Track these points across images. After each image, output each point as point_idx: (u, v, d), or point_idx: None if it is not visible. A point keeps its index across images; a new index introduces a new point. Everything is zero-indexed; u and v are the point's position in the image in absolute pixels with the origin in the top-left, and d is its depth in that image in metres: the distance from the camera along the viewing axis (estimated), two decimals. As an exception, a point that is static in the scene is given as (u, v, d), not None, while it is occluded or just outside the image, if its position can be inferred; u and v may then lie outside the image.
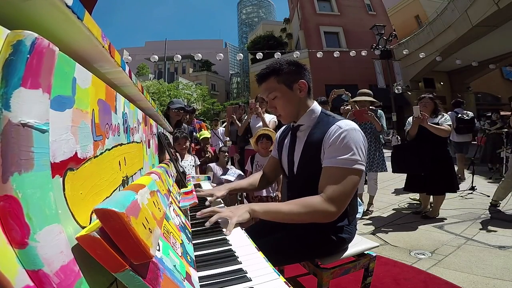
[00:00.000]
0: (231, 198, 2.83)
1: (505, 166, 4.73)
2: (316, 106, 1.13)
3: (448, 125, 2.65)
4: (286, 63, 1.08)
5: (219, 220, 0.98)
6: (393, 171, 3.00)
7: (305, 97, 1.11)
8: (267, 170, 1.41)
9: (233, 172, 2.64)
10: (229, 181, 2.48)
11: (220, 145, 4.63)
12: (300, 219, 0.97)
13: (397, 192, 4.14)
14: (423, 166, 2.67)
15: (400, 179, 4.48)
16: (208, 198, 1.22)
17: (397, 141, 6.34)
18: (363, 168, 0.98)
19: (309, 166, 1.06)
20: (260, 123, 3.01)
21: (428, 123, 2.61)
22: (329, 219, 0.96)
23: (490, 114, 6.62)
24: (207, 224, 0.92)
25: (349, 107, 3.56)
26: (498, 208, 2.92)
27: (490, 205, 2.93)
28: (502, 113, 6.25)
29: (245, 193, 2.91)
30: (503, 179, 2.96)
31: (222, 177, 2.57)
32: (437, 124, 2.66)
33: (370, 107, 3.08)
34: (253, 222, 1.61)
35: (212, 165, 2.95)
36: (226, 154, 3.02)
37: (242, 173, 2.67)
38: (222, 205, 1.23)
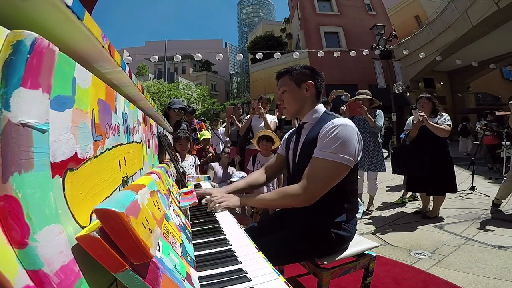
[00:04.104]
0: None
1: (505, 166, 4.74)
2: (320, 107, 1.21)
3: (447, 125, 2.65)
4: (302, 66, 1.21)
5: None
6: (393, 172, 3.01)
7: (311, 97, 1.20)
8: (268, 165, 1.45)
9: (237, 174, 2.65)
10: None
11: (220, 145, 4.64)
12: (277, 203, 1.12)
13: (397, 192, 4.14)
14: (423, 168, 2.67)
15: (400, 179, 4.48)
16: (206, 197, 1.24)
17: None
18: (347, 162, 1.01)
19: (307, 159, 1.09)
20: (262, 123, 3.01)
21: (429, 122, 2.61)
22: (301, 204, 1.04)
23: (482, 114, 6.68)
24: (203, 201, 1.18)
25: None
26: (499, 208, 2.91)
27: (492, 204, 2.93)
28: (498, 113, 6.27)
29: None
30: (505, 179, 2.96)
31: (228, 180, 2.59)
32: (436, 124, 2.66)
33: (370, 106, 3.09)
34: (252, 222, 1.61)
35: (214, 164, 2.96)
36: (228, 155, 3.03)
37: (246, 175, 2.68)
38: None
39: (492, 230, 2.42)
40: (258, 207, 1.20)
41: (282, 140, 1.43)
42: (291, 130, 1.42)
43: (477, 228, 2.49)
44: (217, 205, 1.13)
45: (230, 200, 1.16)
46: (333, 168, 1.01)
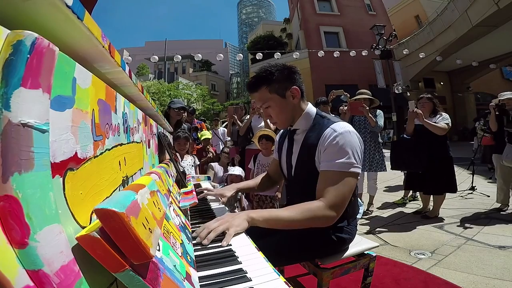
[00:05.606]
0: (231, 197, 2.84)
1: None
2: (310, 109, 1.12)
3: (445, 123, 2.65)
4: (275, 69, 1.04)
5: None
6: (391, 168, 3.01)
7: (298, 102, 1.09)
8: (271, 171, 1.43)
9: (235, 169, 2.66)
10: (233, 175, 2.51)
11: (220, 145, 4.65)
12: (301, 225, 0.93)
13: (397, 192, 4.14)
14: (420, 164, 2.67)
15: (400, 179, 4.48)
16: (221, 200, 1.25)
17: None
18: (359, 171, 0.99)
19: (306, 168, 1.07)
20: (262, 123, 3.02)
21: (425, 120, 2.61)
22: (329, 224, 0.96)
23: (482, 114, 6.67)
24: (205, 242, 0.79)
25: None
26: (504, 211, 2.90)
27: (496, 210, 2.93)
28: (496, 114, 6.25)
29: (244, 193, 2.92)
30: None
31: (226, 174, 2.62)
32: (435, 123, 2.66)
33: (371, 106, 3.09)
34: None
35: (214, 164, 2.96)
36: (227, 155, 3.03)
37: (243, 170, 2.69)
38: (226, 210, 1.23)
39: (492, 230, 2.42)
40: (273, 227, 0.95)
41: (275, 144, 1.37)
42: (281, 132, 1.33)
43: (477, 228, 2.49)
44: (226, 236, 0.80)
45: (239, 225, 0.86)
46: (353, 178, 0.97)
